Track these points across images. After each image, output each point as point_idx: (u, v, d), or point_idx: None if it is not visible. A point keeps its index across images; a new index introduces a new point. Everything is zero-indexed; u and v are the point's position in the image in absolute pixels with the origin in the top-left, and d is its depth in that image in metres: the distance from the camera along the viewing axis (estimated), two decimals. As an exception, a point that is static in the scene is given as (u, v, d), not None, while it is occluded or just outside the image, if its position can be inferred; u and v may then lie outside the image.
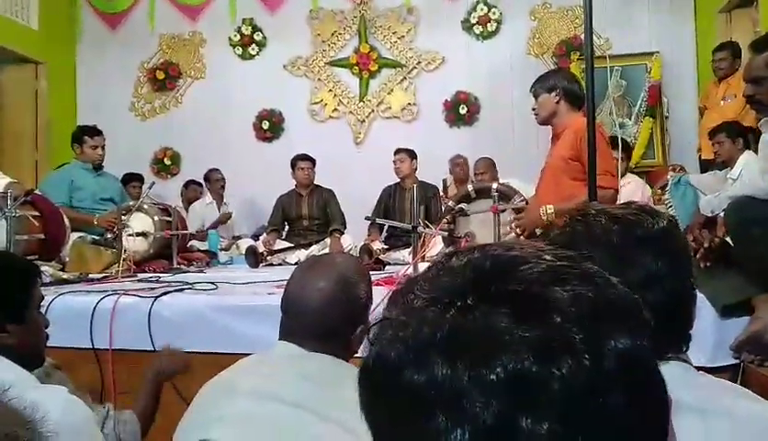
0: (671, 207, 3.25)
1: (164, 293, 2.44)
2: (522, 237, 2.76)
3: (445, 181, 4.93)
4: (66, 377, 1.61)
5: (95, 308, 2.33)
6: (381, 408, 0.42)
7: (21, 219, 2.92)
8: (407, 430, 0.40)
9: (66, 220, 3.37)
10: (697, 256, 1.93)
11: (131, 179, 5.36)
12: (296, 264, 3.84)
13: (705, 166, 4.42)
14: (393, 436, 0.42)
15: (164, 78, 6.25)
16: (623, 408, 0.39)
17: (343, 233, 4.64)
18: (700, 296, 1.92)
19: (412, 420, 0.40)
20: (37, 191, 3.52)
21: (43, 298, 1.54)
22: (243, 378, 1.23)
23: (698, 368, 0.94)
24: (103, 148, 4.04)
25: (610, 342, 0.39)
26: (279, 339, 1.27)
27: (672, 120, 5.36)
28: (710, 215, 1.89)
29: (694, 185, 3.34)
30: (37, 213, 3.10)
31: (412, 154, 4.87)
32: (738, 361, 1.84)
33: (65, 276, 3.00)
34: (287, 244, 4.57)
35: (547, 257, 0.43)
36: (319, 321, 1.22)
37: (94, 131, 4.03)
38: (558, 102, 2.78)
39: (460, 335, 0.39)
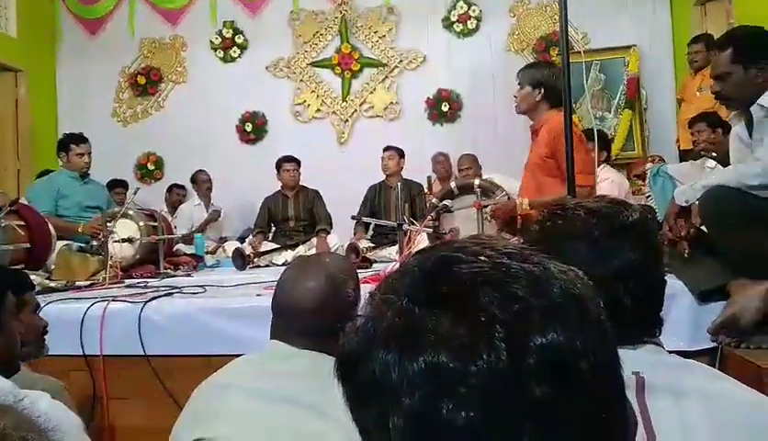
0: (649, 197, 3.31)
1: (153, 298, 2.44)
2: (496, 225, 2.83)
3: (429, 178, 4.94)
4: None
5: (84, 315, 2.33)
6: (346, 397, 0.47)
7: (7, 228, 2.91)
8: (362, 416, 0.46)
9: (52, 229, 3.35)
10: (677, 244, 1.98)
11: (116, 185, 5.34)
12: (283, 265, 3.86)
13: (684, 157, 4.50)
14: (357, 422, 0.47)
15: (146, 83, 6.23)
16: (549, 400, 0.40)
17: (329, 233, 4.66)
18: (678, 283, 1.99)
19: (363, 407, 0.45)
20: (22, 199, 3.51)
21: (36, 303, 1.55)
22: (237, 377, 1.25)
23: (678, 352, 0.98)
24: (89, 155, 4.01)
25: (535, 338, 0.41)
26: (270, 339, 1.29)
27: (650, 112, 5.44)
28: (685, 205, 1.94)
29: (671, 174, 3.38)
30: (22, 222, 3.08)
31: (400, 153, 4.94)
32: (715, 344, 1.90)
33: (52, 284, 2.99)
34: (273, 246, 4.58)
35: (489, 254, 0.46)
36: (309, 319, 1.25)
37: (80, 139, 4.00)
38: (539, 99, 2.82)
39: (395, 333, 0.44)
